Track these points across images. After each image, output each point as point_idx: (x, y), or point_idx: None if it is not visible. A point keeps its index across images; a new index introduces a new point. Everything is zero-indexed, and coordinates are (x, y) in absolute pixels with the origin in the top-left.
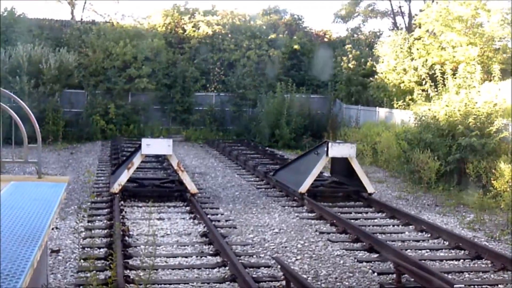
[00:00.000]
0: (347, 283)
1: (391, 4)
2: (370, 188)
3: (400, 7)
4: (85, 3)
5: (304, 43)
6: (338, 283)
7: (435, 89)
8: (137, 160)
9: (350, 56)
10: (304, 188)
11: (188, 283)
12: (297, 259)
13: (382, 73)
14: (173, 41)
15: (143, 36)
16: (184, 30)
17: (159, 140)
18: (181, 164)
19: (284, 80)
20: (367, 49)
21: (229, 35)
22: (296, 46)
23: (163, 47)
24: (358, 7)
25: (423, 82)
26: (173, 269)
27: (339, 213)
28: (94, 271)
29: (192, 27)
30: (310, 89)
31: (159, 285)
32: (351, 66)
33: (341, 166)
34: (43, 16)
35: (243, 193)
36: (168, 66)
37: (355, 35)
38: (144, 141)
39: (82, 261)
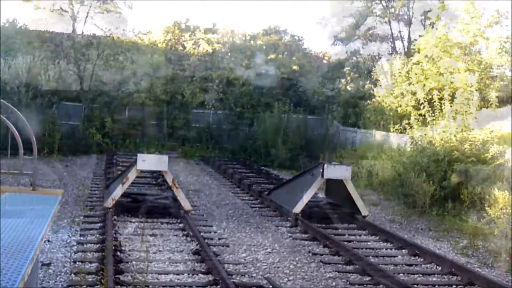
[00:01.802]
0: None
1: (390, 29)
2: (364, 211)
3: (399, 31)
4: (86, 16)
5: (303, 64)
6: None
7: (433, 114)
8: (132, 175)
9: (348, 78)
10: (298, 208)
11: None
12: (289, 280)
13: (379, 96)
14: (172, 58)
15: (143, 52)
16: (184, 47)
17: (155, 155)
18: (176, 181)
19: (282, 100)
20: (365, 72)
21: (229, 54)
22: (295, 67)
23: (162, 63)
24: (358, 31)
25: (421, 107)
26: (164, 287)
27: (332, 235)
28: (85, 286)
29: (193, 44)
30: (307, 110)
31: None
32: (349, 88)
33: (336, 187)
34: (44, 28)
35: (237, 212)
36: (167, 82)
37: (354, 58)
38: (140, 157)
39: (73, 275)
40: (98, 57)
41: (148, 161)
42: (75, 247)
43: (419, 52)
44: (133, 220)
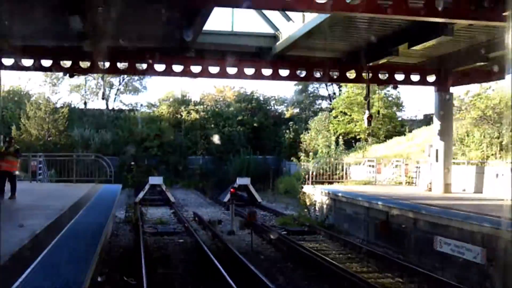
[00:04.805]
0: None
1: (327, 90)
2: (259, 199)
3: (334, 92)
4: (115, 96)
5: (262, 121)
6: (213, 218)
7: (343, 151)
8: (147, 187)
9: (291, 129)
10: (226, 199)
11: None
12: (206, 215)
13: (305, 140)
14: (173, 123)
15: (154, 120)
16: (181, 116)
17: (157, 177)
18: (167, 188)
19: (246, 146)
20: (303, 124)
21: (211, 118)
22: (255, 124)
23: (167, 127)
24: (304, 94)
25: (331, 146)
26: (157, 218)
27: (238, 208)
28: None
29: (186, 113)
30: (265, 152)
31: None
32: (291, 136)
33: (244, 188)
34: (87, 106)
35: (200, 204)
36: (170, 140)
37: (302, 114)
38: (150, 178)
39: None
40: (124, 124)
41: (154, 179)
42: (126, 212)
43: (334, 110)
44: (148, 206)
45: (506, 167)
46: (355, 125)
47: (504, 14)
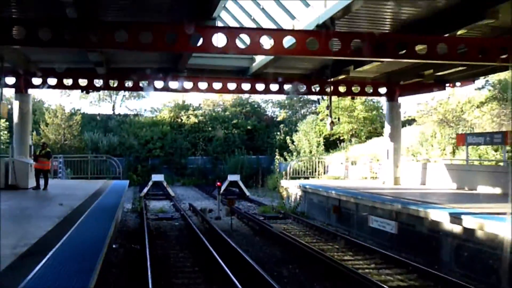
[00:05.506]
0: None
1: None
2: (247, 193)
3: (322, 97)
4: (121, 102)
5: (255, 124)
6: (206, 206)
7: (323, 151)
8: (150, 183)
9: (281, 131)
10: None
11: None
12: (201, 204)
13: (294, 141)
14: (174, 127)
15: (156, 124)
16: (181, 120)
17: (158, 175)
18: (168, 184)
19: (241, 147)
20: (293, 126)
21: (208, 122)
22: (249, 127)
23: (168, 130)
24: (295, 98)
25: (316, 146)
26: (159, 209)
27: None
28: (136, 211)
29: (186, 118)
30: (258, 153)
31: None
32: (281, 138)
33: (235, 184)
34: (94, 110)
35: (197, 198)
36: (172, 142)
37: (292, 117)
38: (153, 176)
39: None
40: (130, 128)
41: (156, 177)
42: (133, 205)
43: (320, 113)
44: (151, 200)
45: (442, 164)
46: (339, 127)
47: (400, 53)
